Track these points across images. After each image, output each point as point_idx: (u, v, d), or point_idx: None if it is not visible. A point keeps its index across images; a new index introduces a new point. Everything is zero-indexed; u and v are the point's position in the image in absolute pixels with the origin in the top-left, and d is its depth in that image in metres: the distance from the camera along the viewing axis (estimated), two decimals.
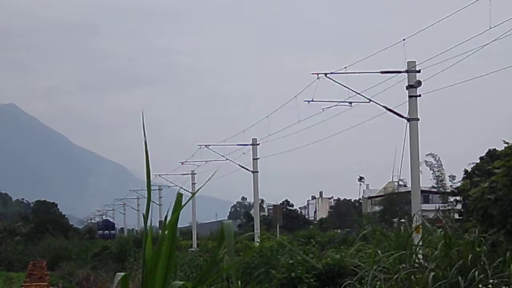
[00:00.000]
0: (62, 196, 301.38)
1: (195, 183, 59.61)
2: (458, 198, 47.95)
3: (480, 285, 12.61)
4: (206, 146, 48.85)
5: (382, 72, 24.04)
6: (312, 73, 25.90)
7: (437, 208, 55.17)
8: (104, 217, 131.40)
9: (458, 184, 51.78)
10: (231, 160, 46.51)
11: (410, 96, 22.60)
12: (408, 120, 22.63)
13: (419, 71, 22.81)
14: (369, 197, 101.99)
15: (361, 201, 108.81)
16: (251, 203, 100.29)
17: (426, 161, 59.22)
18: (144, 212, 5.76)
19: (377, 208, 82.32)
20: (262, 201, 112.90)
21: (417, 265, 14.38)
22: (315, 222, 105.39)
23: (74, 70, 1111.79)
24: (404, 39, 23.61)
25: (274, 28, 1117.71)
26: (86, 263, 52.17)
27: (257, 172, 43.46)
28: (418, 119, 22.70)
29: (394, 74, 23.63)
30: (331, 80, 25.34)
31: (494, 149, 37.08)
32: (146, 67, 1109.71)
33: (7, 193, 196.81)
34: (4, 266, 59.85)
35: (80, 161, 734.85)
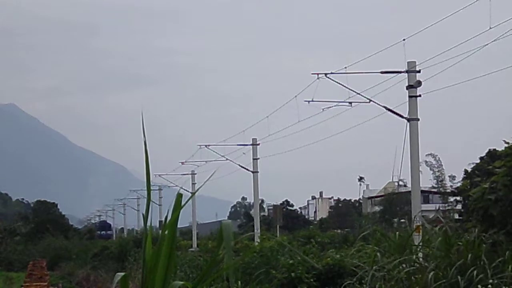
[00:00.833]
0: (62, 196, 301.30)
1: (195, 183, 59.58)
2: (458, 198, 47.92)
3: (479, 285, 12.60)
4: (206, 146, 48.84)
5: (382, 72, 24.03)
6: (312, 73, 25.90)
7: (437, 208, 55.16)
8: (101, 218, 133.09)
9: (458, 184, 51.75)
10: (231, 160, 46.52)
11: (410, 96, 22.59)
12: (408, 120, 22.62)
13: (419, 71, 22.79)
14: (369, 197, 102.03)
15: (361, 201, 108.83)
16: (251, 203, 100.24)
17: (426, 161, 59.25)
18: (144, 212, 5.75)
19: (377, 208, 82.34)
20: (262, 201, 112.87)
21: (417, 265, 14.39)
22: (315, 222, 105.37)
23: (74, 70, 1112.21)
24: (404, 39, 23.60)
25: (274, 28, 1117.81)
26: (86, 263, 52.24)
27: (257, 172, 43.45)
28: (418, 119, 22.68)
29: (394, 74, 23.62)
30: (331, 80, 25.33)
31: (494, 149, 37.04)
32: (146, 67, 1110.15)
33: (7, 193, 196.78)
34: (4, 266, 59.88)
35: (80, 161, 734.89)
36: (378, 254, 15.11)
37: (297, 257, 20.11)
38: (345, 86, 24.89)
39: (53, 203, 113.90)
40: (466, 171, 45.83)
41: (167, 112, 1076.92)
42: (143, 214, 5.76)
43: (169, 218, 5.58)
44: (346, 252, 21.23)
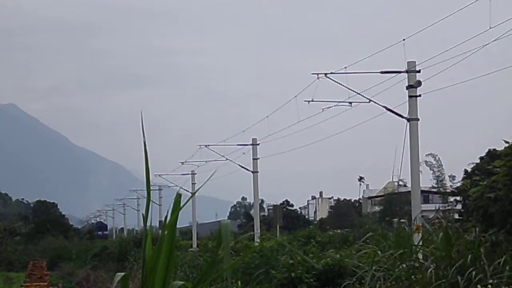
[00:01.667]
0: (62, 196, 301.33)
1: (195, 183, 59.57)
2: (458, 198, 47.96)
3: (479, 285, 12.60)
4: (206, 146, 48.84)
5: (382, 72, 24.02)
6: (312, 73, 25.87)
7: (437, 208, 55.22)
8: (98, 219, 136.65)
9: (458, 184, 51.78)
10: (231, 160, 46.51)
11: (410, 96, 22.59)
12: (408, 120, 22.61)
13: (419, 71, 22.78)
14: (369, 197, 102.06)
15: (361, 201, 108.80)
16: (251, 203, 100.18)
17: (426, 161, 59.39)
18: (144, 212, 5.76)
19: (377, 208, 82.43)
20: (262, 201, 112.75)
21: (417, 265, 14.39)
22: (315, 222, 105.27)
23: (74, 70, 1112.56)
24: (404, 39, 23.58)
25: (274, 28, 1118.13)
26: (86, 263, 52.21)
27: (257, 172, 43.44)
28: (418, 119, 22.68)
29: (394, 74, 23.61)
30: (331, 80, 25.31)
31: (494, 149, 37.02)
32: (146, 67, 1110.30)
33: (7, 193, 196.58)
34: (4, 266, 59.85)
35: (80, 161, 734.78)
36: (379, 252, 15.12)
37: (297, 257, 20.10)
38: (345, 86, 24.89)
39: (53, 203, 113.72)
40: (466, 171, 45.85)
41: (167, 112, 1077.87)
42: (143, 214, 5.76)
43: (169, 218, 5.58)
44: (346, 252, 21.23)
